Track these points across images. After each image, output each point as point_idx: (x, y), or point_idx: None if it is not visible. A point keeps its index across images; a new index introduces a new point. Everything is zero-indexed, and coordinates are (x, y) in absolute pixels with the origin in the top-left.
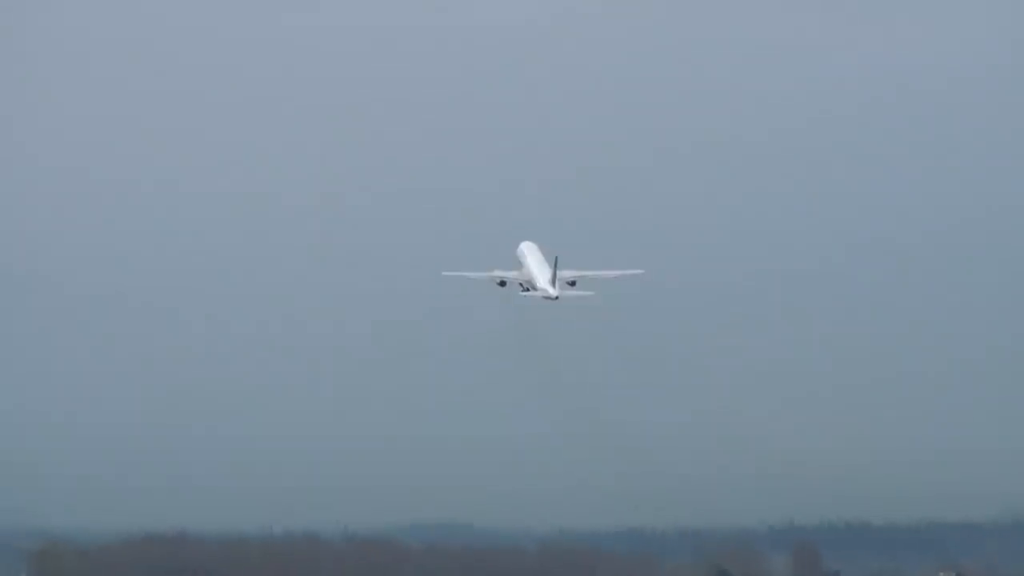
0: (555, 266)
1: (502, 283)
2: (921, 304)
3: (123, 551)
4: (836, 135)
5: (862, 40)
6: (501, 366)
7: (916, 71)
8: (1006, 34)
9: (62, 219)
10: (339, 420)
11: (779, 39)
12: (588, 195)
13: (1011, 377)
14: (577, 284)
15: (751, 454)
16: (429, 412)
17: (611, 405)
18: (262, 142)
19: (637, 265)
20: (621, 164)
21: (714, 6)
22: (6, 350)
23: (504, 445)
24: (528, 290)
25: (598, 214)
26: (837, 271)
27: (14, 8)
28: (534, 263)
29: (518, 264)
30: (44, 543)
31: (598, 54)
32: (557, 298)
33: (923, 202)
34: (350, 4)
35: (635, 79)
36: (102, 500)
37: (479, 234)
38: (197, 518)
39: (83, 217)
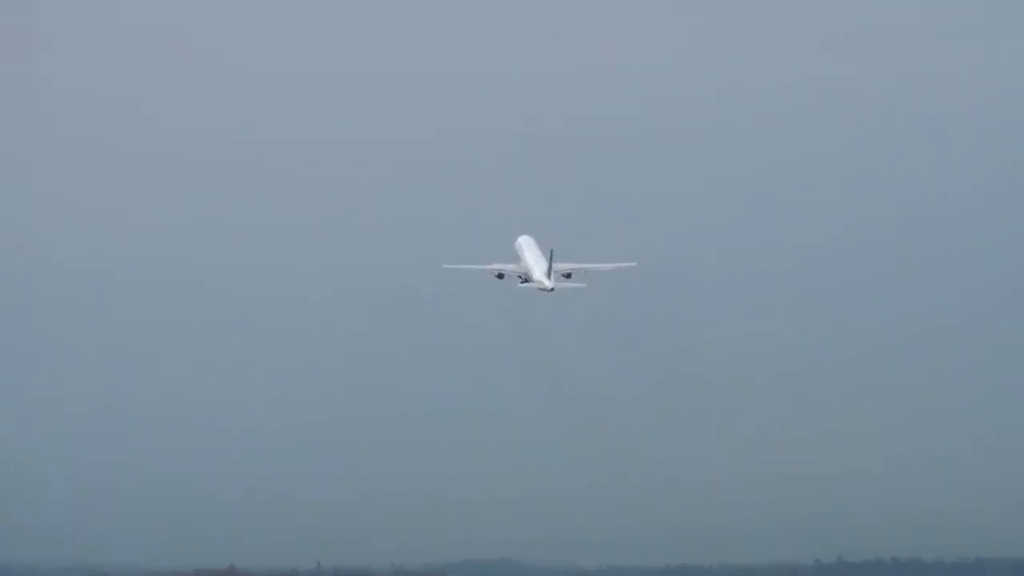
0: (551, 259)
1: (500, 275)
2: (935, 305)
3: None
4: (829, 126)
5: (853, 35)
6: (503, 358)
7: (909, 70)
8: None
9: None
10: (375, 441)
11: (770, 37)
12: (584, 192)
13: None
14: (572, 276)
15: (789, 488)
16: (440, 421)
17: (612, 402)
18: (263, 139)
19: (630, 258)
20: (616, 162)
21: (703, 6)
22: (60, 388)
23: (529, 467)
24: (526, 282)
25: (593, 209)
26: (832, 265)
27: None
28: (531, 256)
29: (516, 257)
30: None
31: (592, 52)
32: (553, 289)
33: (921, 193)
34: (353, 9)
35: (628, 77)
36: (153, 536)
37: (479, 229)
38: (247, 554)
39: (82, 218)
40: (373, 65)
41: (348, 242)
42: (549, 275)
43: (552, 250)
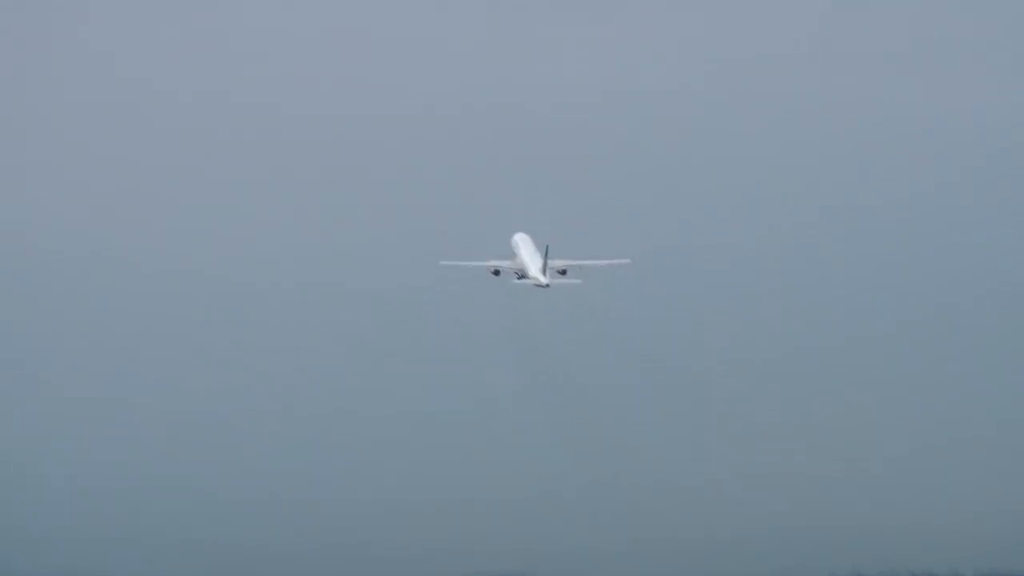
0: (546, 256)
1: (496, 272)
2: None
3: None
4: (826, 122)
5: (852, 34)
6: (499, 353)
7: (901, 68)
8: None
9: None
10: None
11: (766, 36)
12: (579, 189)
13: None
14: (567, 273)
15: (813, 503)
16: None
17: (608, 397)
18: (262, 138)
19: (625, 255)
20: (611, 160)
21: (694, 8)
22: (59, 388)
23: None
24: (521, 278)
25: (588, 207)
26: (831, 260)
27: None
28: (527, 253)
29: (512, 254)
30: None
31: (589, 50)
32: (548, 286)
33: (923, 191)
34: (349, 11)
35: (623, 75)
36: (168, 555)
37: (476, 226)
38: (252, 558)
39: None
40: (371, 65)
41: (345, 239)
42: (544, 271)
43: (547, 247)
